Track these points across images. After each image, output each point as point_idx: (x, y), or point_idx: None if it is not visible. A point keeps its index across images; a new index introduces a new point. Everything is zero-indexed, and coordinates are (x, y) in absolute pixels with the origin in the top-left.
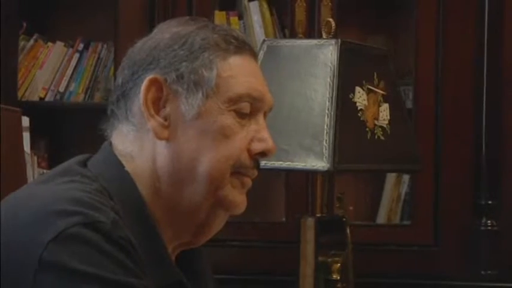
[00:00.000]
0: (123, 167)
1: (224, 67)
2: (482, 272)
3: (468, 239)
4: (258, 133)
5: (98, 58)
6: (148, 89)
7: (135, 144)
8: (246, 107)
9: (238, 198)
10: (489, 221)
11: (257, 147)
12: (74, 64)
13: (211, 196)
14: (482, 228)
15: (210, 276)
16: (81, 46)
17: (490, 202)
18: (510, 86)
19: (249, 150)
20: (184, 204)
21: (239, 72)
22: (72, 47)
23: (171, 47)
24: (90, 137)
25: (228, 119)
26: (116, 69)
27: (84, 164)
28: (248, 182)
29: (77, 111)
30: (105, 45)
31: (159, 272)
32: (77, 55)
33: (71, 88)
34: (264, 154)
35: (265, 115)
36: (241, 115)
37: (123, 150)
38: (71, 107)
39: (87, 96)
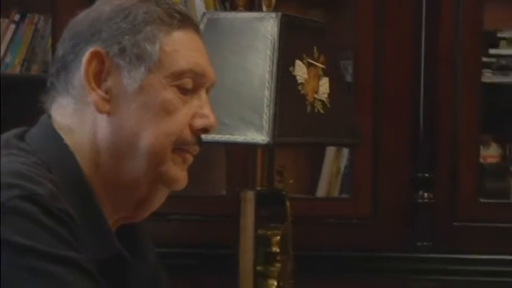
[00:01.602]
0: (62, 140)
1: (167, 42)
2: (419, 244)
3: (406, 211)
4: (200, 109)
5: (35, 29)
6: (89, 62)
7: (74, 117)
8: (188, 82)
9: (179, 174)
10: (426, 194)
11: (199, 123)
12: (10, 35)
13: (152, 172)
14: (419, 200)
15: (150, 251)
16: (17, 17)
17: (426, 175)
18: (447, 61)
19: (191, 126)
20: (124, 179)
21: (182, 48)
22: (8, 18)
23: (113, 20)
24: (28, 109)
25: (170, 94)
26: (53, 40)
27: (21, 137)
28: (189, 158)
29: (13, 84)
30: (42, 17)
31: (98, 246)
32: (12, 26)
33: (7, 60)
34: (206, 130)
35: (207, 91)
36: (183, 91)
37: (62, 123)
38: (7, 79)
39: (23, 68)
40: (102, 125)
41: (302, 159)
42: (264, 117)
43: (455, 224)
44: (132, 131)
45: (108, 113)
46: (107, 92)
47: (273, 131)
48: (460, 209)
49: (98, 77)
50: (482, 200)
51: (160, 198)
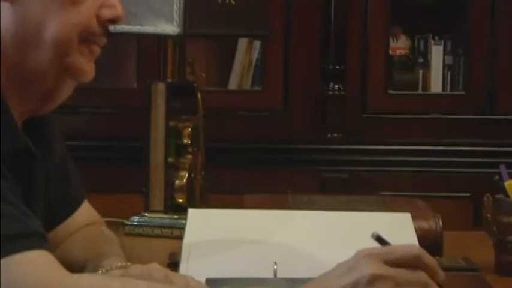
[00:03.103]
0: None
1: None
2: (329, 135)
3: (317, 103)
4: None
5: None
6: None
7: None
8: None
9: (86, 66)
10: (336, 86)
11: (106, 13)
12: None
13: (58, 63)
14: (330, 92)
15: (59, 143)
16: None
17: (337, 67)
18: None
19: (97, 17)
20: (29, 70)
21: None
22: None
23: None
24: None
25: None
26: None
27: None
28: (97, 50)
29: None
30: None
31: (4, 138)
32: None
33: None
34: (113, 21)
35: None
36: None
37: None
38: None
39: None
40: (6, 14)
41: (214, 51)
42: (175, 7)
43: (365, 115)
44: (36, 20)
45: (12, 2)
46: None
47: (183, 22)
48: (369, 101)
49: None
50: (391, 92)
51: (67, 90)
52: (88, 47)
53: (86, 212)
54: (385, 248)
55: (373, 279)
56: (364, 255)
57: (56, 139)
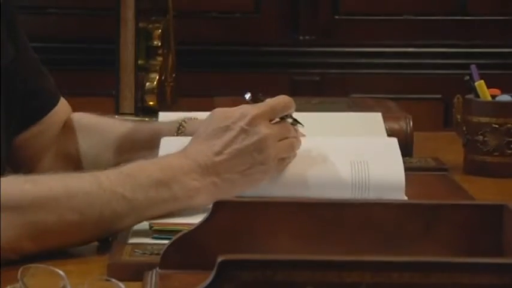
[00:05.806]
0: None
1: None
2: (301, 38)
3: (288, 5)
4: None
5: None
6: None
7: None
8: None
9: None
10: None
11: None
12: None
13: None
14: None
15: (14, 40)
16: None
17: None
18: None
19: None
20: None
21: None
22: None
23: None
24: None
25: None
26: None
27: None
28: None
29: None
30: None
31: None
32: None
33: None
34: None
35: None
36: None
37: None
38: None
39: None
40: None
41: None
42: None
43: (337, 17)
44: None
45: None
46: None
47: None
48: (342, 2)
49: None
50: None
51: None
52: None
53: (65, 104)
54: (266, 106)
55: (268, 139)
56: (254, 116)
57: (12, 37)
